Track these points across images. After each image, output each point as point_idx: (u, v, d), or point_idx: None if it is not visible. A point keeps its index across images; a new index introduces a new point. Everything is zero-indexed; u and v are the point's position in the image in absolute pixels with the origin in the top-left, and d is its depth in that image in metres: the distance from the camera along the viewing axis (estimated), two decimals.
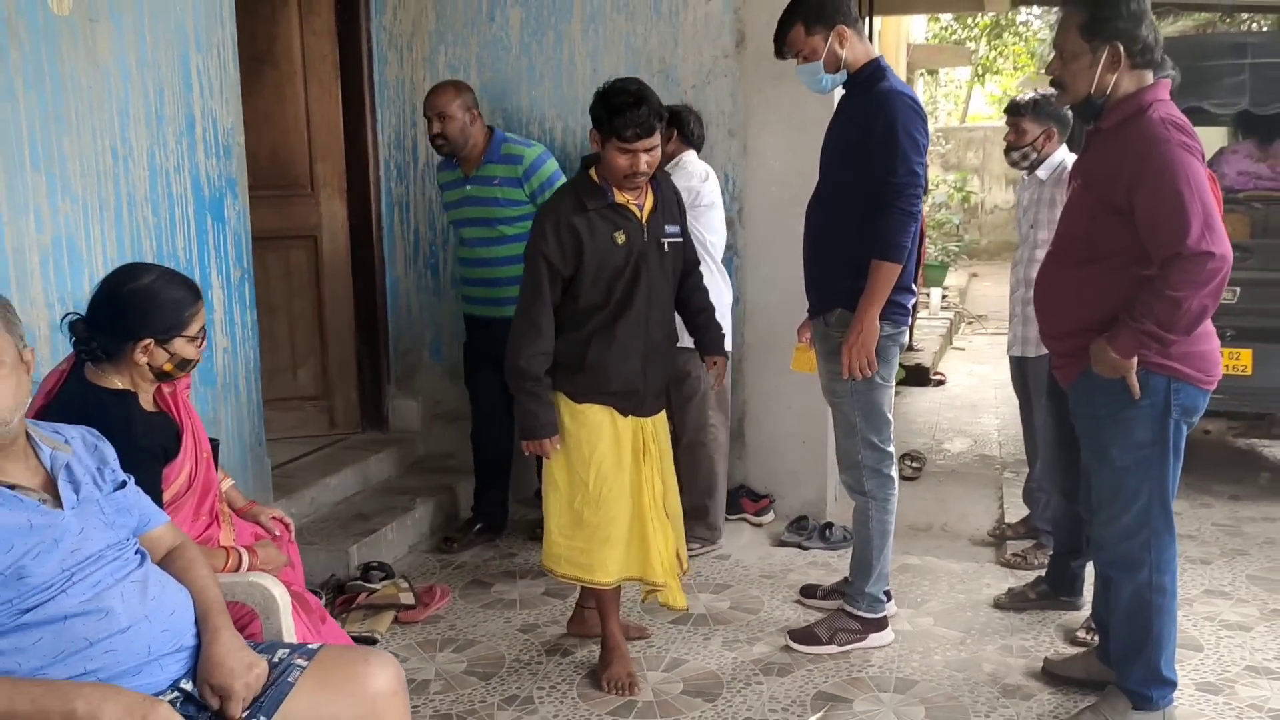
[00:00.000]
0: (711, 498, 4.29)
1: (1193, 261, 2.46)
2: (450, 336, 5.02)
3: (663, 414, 3.31)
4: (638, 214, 3.07)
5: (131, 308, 2.34)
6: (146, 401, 2.45)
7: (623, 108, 2.89)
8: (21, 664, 1.76)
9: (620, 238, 3.02)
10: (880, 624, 3.46)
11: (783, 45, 3.30)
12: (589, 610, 3.45)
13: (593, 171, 3.07)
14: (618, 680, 3.19)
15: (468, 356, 4.44)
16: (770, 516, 4.63)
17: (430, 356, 5.11)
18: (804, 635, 3.46)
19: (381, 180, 5.00)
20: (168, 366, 2.39)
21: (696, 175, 4.17)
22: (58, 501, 1.91)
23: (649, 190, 3.11)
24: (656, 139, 2.94)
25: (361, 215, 4.97)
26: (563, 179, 4.27)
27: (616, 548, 3.14)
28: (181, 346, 2.39)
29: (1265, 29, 9.77)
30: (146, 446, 2.36)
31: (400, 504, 4.47)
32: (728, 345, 4.16)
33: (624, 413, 3.14)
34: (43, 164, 3.02)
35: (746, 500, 4.61)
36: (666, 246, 3.13)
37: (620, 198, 3.04)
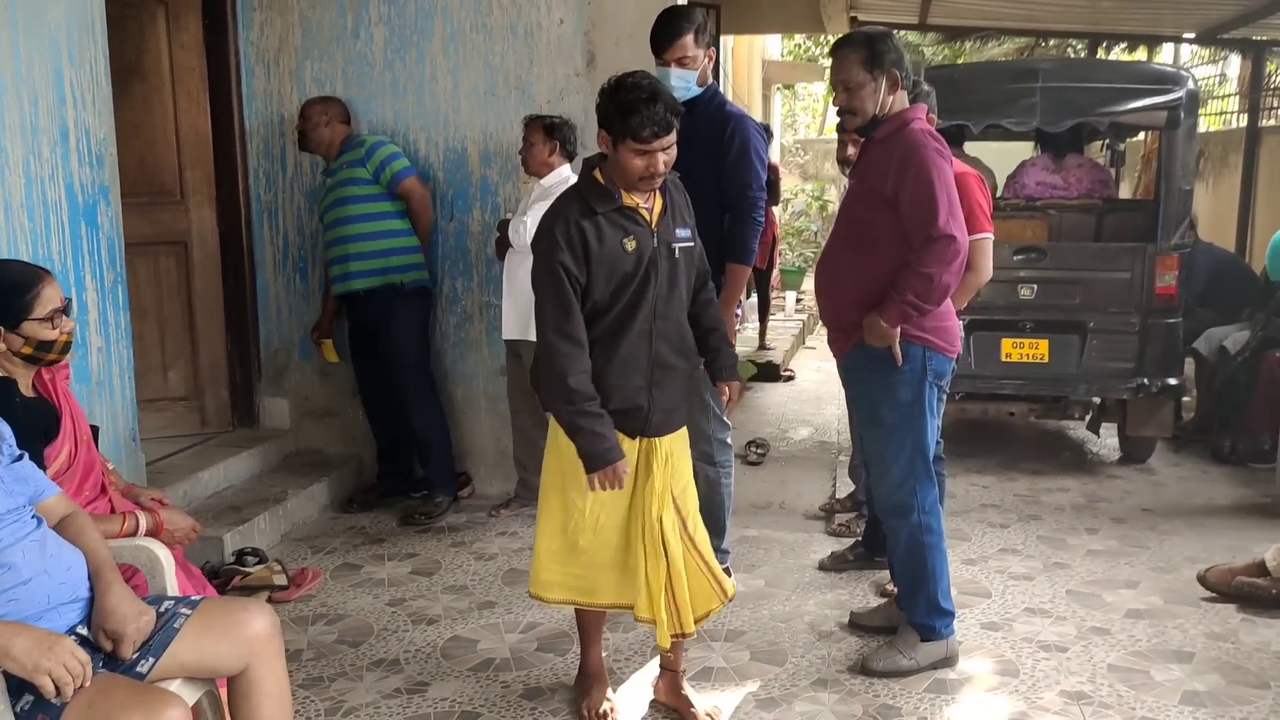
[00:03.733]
0: None
1: (941, 243, 3.02)
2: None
3: (680, 434, 3.02)
4: (647, 217, 2.83)
5: None
6: (25, 388, 2.64)
7: (636, 105, 2.65)
8: None
9: (630, 244, 2.78)
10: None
11: (669, 46, 3.63)
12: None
13: (597, 172, 2.83)
14: (597, 709, 3.07)
15: (349, 341, 4.97)
16: None
17: (300, 357, 5.33)
18: None
19: (251, 188, 5.21)
20: (26, 350, 2.53)
21: None
22: None
23: (657, 192, 2.88)
24: (674, 136, 2.72)
25: (231, 221, 5.17)
26: (402, 159, 4.75)
27: (614, 572, 2.96)
28: (34, 329, 2.51)
29: (1069, 54, 10.67)
30: (27, 427, 2.58)
31: (272, 495, 4.70)
32: None
33: (630, 434, 2.88)
34: None
35: None
36: (677, 252, 2.87)
37: (629, 200, 2.80)
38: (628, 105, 2.66)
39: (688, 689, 3.13)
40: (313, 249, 5.21)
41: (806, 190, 15.93)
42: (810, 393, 8.05)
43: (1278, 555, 3.81)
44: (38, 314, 2.52)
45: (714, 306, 3.13)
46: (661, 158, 2.72)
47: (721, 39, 8.44)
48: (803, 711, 3.10)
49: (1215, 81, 11.08)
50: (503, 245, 4.63)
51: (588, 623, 3.12)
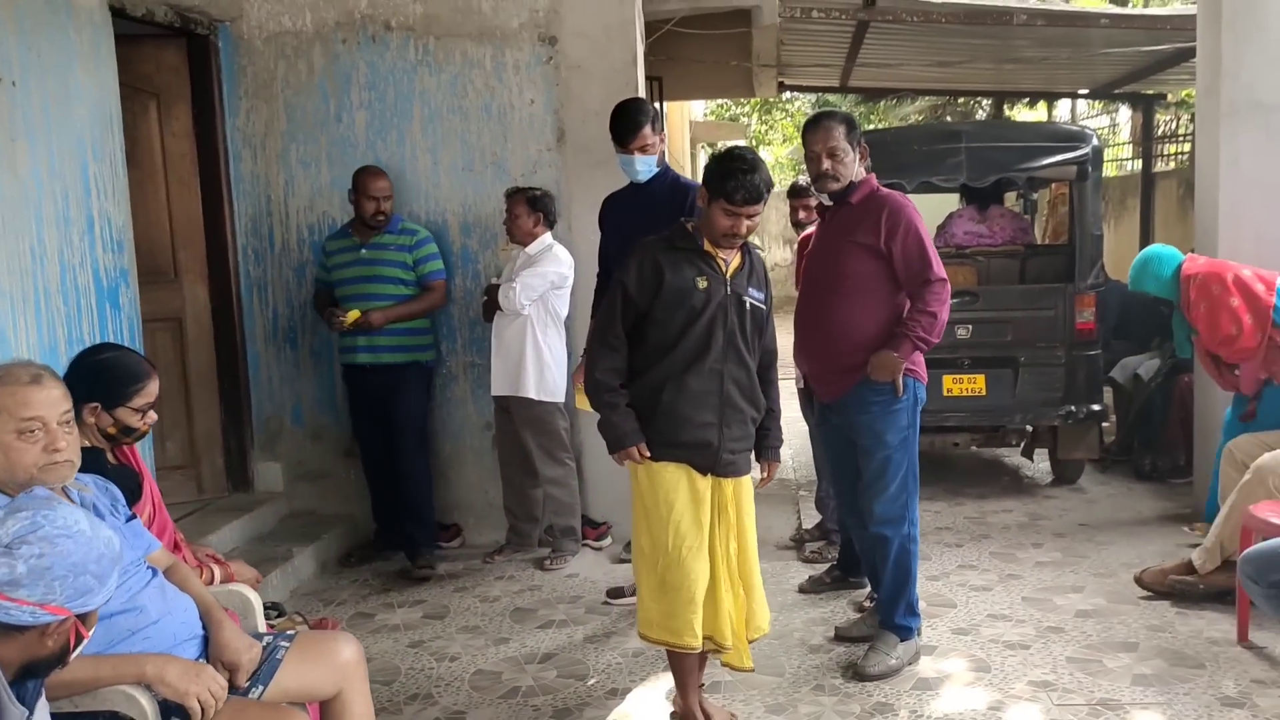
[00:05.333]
0: (577, 519, 5.17)
1: (937, 285, 3.56)
2: (310, 403, 5.56)
3: (744, 482, 3.29)
4: (722, 267, 3.17)
5: (85, 375, 2.82)
6: (110, 456, 2.95)
7: (735, 172, 3.04)
8: (84, 650, 2.28)
9: (702, 282, 3.12)
10: None
11: (633, 137, 4.06)
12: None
13: (689, 225, 3.22)
14: None
15: (351, 408, 5.23)
16: (609, 541, 5.35)
17: (291, 423, 5.60)
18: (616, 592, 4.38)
19: (240, 265, 5.50)
20: (111, 430, 2.84)
21: (565, 263, 5.03)
22: None
23: (740, 251, 3.23)
24: (761, 208, 3.09)
25: (223, 297, 5.45)
26: (439, 260, 5.07)
27: (700, 610, 3.16)
28: (125, 415, 2.84)
29: (980, 117, 11.48)
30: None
31: (278, 554, 4.95)
32: (556, 395, 4.95)
33: (701, 470, 3.17)
34: None
35: (588, 528, 5.33)
36: (748, 305, 3.20)
37: (710, 248, 3.17)
38: (728, 171, 3.07)
39: (706, 701, 3.45)
40: (301, 320, 5.51)
41: None
42: None
43: (1202, 555, 4.31)
44: (134, 404, 2.83)
45: (774, 389, 3.39)
46: (745, 222, 3.10)
47: (661, 105, 8.95)
48: (808, 713, 3.48)
49: (1109, 131, 11.99)
50: (490, 308, 5.00)
51: (681, 668, 3.30)
